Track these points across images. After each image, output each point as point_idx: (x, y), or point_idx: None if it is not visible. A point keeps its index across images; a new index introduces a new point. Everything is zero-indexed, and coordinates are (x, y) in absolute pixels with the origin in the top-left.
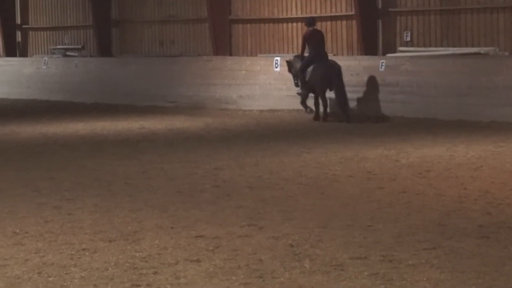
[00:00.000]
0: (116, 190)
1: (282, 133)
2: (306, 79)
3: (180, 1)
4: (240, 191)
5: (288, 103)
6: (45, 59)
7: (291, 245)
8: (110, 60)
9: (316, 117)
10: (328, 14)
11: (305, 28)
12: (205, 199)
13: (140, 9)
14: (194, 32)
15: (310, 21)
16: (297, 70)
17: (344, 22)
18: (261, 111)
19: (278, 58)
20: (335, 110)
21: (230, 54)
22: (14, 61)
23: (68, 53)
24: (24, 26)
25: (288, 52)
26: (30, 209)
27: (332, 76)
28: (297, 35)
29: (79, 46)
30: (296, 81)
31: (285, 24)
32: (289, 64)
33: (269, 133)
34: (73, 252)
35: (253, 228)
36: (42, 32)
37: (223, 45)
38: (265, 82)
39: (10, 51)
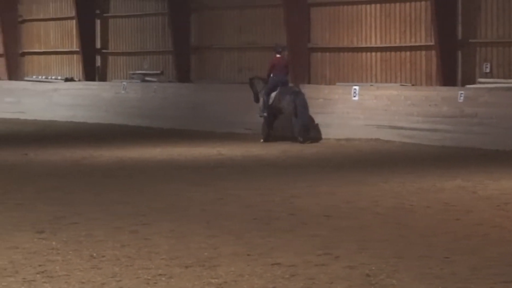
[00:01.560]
0: (192, 216)
1: (359, 162)
2: (270, 103)
3: (260, 28)
4: (316, 220)
5: (366, 132)
6: (124, 84)
7: (367, 275)
8: (189, 86)
9: (267, 138)
10: (408, 44)
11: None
12: (281, 227)
13: (219, 36)
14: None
15: (278, 49)
16: (258, 89)
17: (423, 53)
18: (338, 139)
19: (357, 87)
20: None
21: (309, 82)
22: (93, 85)
23: (146, 78)
24: (104, 51)
25: (366, 81)
26: (107, 233)
27: (299, 104)
28: (376, 64)
29: (158, 72)
30: (255, 99)
31: (364, 54)
32: (252, 83)
33: (345, 162)
34: (149, 277)
35: (329, 257)
36: (121, 57)
37: (302, 73)
38: (342, 111)
39: (90, 76)
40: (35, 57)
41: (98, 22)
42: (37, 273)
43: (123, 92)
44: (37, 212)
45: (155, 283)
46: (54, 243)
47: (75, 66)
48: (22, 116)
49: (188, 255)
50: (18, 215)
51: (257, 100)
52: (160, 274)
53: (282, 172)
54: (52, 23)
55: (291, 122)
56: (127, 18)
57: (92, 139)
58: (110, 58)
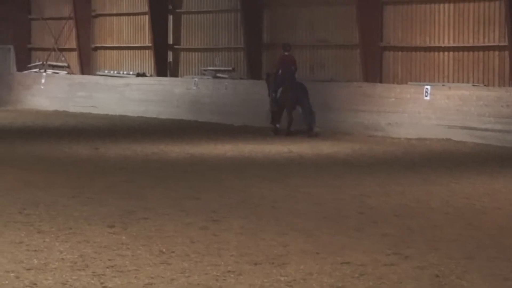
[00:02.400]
0: (262, 213)
1: (429, 162)
2: (277, 97)
3: (332, 26)
4: (386, 219)
5: (437, 132)
6: (195, 80)
7: (437, 276)
8: (260, 83)
9: (276, 131)
10: (481, 44)
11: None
12: (351, 225)
13: (291, 33)
14: (344, 58)
15: (286, 47)
16: (270, 84)
17: (496, 53)
18: (409, 139)
19: (429, 87)
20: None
21: (380, 81)
22: (165, 81)
23: (218, 74)
24: (176, 47)
25: (438, 81)
26: (177, 229)
27: (299, 96)
28: (448, 64)
29: (230, 68)
30: (269, 94)
31: (436, 53)
32: (267, 78)
33: (416, 161)
34: (218, 274)
35: (398, 257)
36: (193, 53)
37: (374, 71)
38: (414, 110)
39: (161, 71)
40: (108, 51)
41: (170, 17)
42: (107, 267)
43: (194, 88)
44: (108, 207)
45: (224, 279)
46: (124, 237)
47: (147, 61)
48: (94, 110)
49: (257, 252)
50: (89, 209)
51: (270, 95)
52: (229, 271)
53: (353, 171)
54: (125, 18)
55: (300, 114)
56: (199, 14)
57: (163, 134)
58: (182, 54)
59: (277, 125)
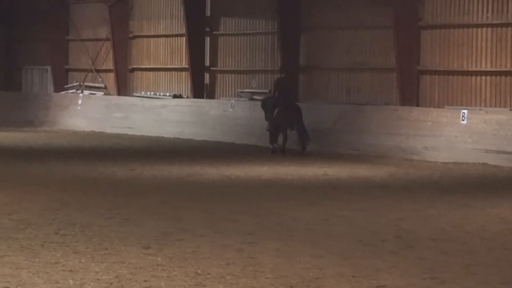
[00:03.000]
0: (297, 236)
1: (466, 186)
2: (274, 118)
3: (369, 49)
4: (423, 243)
5: (474, 156)
6: (231, 102)
7: None
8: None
9: (274, 151)
10: None
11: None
12: (387, 249)
13: (328, 56)
14: (381, 81)
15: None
16: (268, 107)
17: None
18: (446, 163)
19: (465, 111)
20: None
21: (417, 105)
22: (201, 102)
23: (254, 96)
24: (212, 68)
25: (475, 105)
26: (212, 250)
27: (294, 117)
28: (485, 88)
29: (266, 90)
30: (266, 116)
31: (474, 77)
32: (263, 103)
33: (453, 185)
34: None
35: (435, 281)
36: (230, 75)
37: (410, 95)
38: (451, 134)
39: (198, 93)
40: (144, 73)
41: (207, 39)
42: None
43: (230, 110)
44: (143, 228)
45: None
46: (159, 259)
47: (184, 83)
48: (130, 132)
49: (293, 274)
50: (125, 230)
51: (267, 118)
52: None
53: (389, 194)
54: (162, 39)
55: (294, 134)
56: (236, 36)
57: (199, 156)
58: (219, 75)
59: (275, 145)
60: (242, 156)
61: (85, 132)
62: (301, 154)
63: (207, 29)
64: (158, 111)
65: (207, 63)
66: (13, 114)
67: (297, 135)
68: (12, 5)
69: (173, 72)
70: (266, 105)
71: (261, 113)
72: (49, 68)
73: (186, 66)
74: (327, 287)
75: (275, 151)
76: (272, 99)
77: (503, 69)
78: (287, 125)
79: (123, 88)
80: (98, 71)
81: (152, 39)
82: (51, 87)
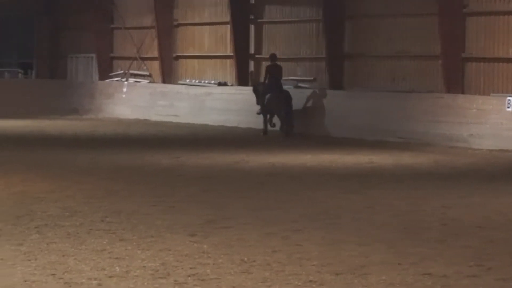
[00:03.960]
0: (342, 224)
1: (511, 174)
2: (265, 103)
3: (413, 37)
4: (468, 231)
5: None
6: None
7: None
8: (341, 93)
9: (265, 132)
10: None
11: None
12: (432, 237)
13: (372, 44)
14: (426, 69)
15: (272, 58)
16: (259, 93)
17: None
18: (491, 150)
19: (511, 98)
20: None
21: (462, 92)
22: (246, 90)
23: (299, 84)
24: (257, 56)
25: None
26: (258, 238)
27: (284, 102)
28: None
29: (311, 78)
30: (257, 101)
31: None
32: (255, 88)
33: (498, 173)
34: (299, 283)
35: (481, 269)
36: None
37: (455, 82)
38: (496, 122)
39: (242, 80)
40: (189, 61)
41: (252, 27)
42: (188, 276)
43: None
44: (189, 215)
45: None
46: (205, 246)
47: (228, 70)
48: (175, 119)
49: (338, 262)
50: (171, 217)
51: (258, 102)
52: (310, 281)
53: (434, 182)
54: (206, 27)
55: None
56: (281, 24)
57: (243, 144)
58: (263, 63)
59: (268, 126)
60: (287, 144)
61: (130, 120)
62: (285, 135)
63: (252, 17)
64: (203, 99)
65: (252, 50)
66: (58, 103)
67: (284, 120)
68: None
69: (218, 60)
70: (257, 90)
71: (305, 101)
72: (94, 56)
73: (231, 54)
74: (372, 274)
75: (266, 133)
76: (262, 85)
77: None
78: (279, 109)
79: (168, 76)
80: (143, 59)
81: (196, 27)
82: (96, 75)
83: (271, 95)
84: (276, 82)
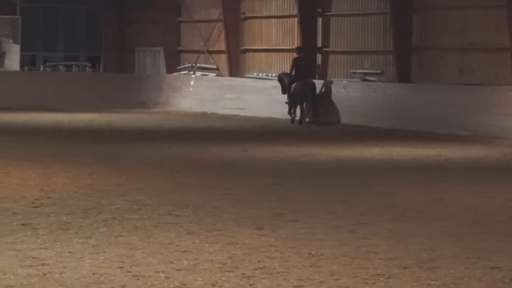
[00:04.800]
0: (411, 217)
1: None
2: (291, 92)
3: (482, 29)
4: None
5: None
6: (344, 83)
7: None
8: (409, 86)
9: (293, 121)
10: None
11: None
12: (502, 230)
13: (441, 36)
14: (495, 61)
15: (299, 50)
16: (284, 83)
17: None
18: None
19: None
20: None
21: None
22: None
23: (367, 77)
24: (324, 49)
25: None
26: (326, 231)
27: (308, 91)
28: None
29: (379, 71)
30: (282, 91)
31: None
32: (280, 78)
33: None
34: (367, 277)
35: None
36: (342, 56)
37: None
38: None
39: (310, 74)
40: (256, 54)
41: (319, 20)
42: (256, 269)
43: (343, 90)
44: (256, 209)
45: (373, 283)
46: (273, 239)
47: None
48: (242, 113)
49: (406, 255)
50: (238, 211)
51: (284, 92)
52: (378, 274)
53: (503, 175)
54: (274, 20)
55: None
56: (348, 17)
57: (311, 137)
58: (331, 56)
59: (292, 115)
60: (354, 137)
61: (197, 113)
62: (310, 123)
63: (319, 10)
64: (270, 92)
65: (319, 44)
66: (126, 96)
67: (310, 108)
68: None
69: (285, 53)
70: (282, 80)
71: (372, 94)
72: (161, 49)
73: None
74: (441, 268)
75: (293, 121)
76: (287, 75)
77: None
78: (303, 99)
79: (235, 69)
80: (210, 52)
81: (264, 20)
82: (163, 69)
83: (297, 84)
84: (302, 73)
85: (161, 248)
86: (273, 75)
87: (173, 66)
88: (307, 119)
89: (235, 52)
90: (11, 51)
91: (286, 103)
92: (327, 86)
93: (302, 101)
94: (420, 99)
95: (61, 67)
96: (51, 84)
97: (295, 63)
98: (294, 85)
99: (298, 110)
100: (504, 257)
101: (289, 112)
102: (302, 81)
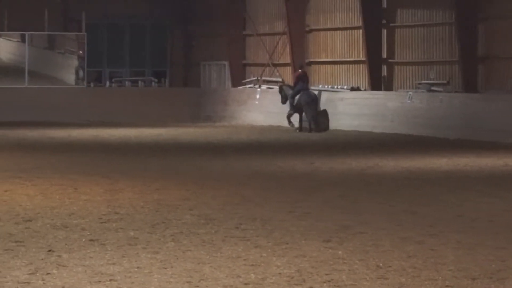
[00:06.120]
0: (479, 228)
1: None
2: (294, 104)
3: None
4: None
5: None
6: (409, 94)
7: None
8: (475, 96)
9: (300, 129)
10: None
11: None
12: None
13: (507, 45)
14: None
15: (301, 65)
16: (286, 94)
17: None
18: None
19: None
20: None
21: None
22: (379, 94)
23: (433, 88)
24: (390, 60)
25: None
26: (393, 243)
27: (311, 102)
28: None
29: (444, 82)
30: (283, 101)
31: None
32: (281, 89)
33: None
34: None
35: None
36: (407, 67)
37: None
38: None
39: (376, 85)
40: (322, 66)
41: (384, 31)
42: (324, 282)
43: (408, 101)
44: (324, 221)
45: None
46: (340, 252)
47: (361, 75)
48: (307, 124)
49: (475, 266)
50: (305, 223)
51: (284, 102)
52: (447, 286)
53: None
54: (338, 32)
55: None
56: (413, 27)
57: (377, 148)
58: (396, 67)
59: (294, 125)
60: (421, 148)
61: (263, 127)
62: (310, 131)
63: (384, 21)
64: (336, 104)
65: (384, 55)
66: (192, 110)
67: (311, 118)
68: (189, 3)
69: (350, 65)
70: (283, 91)
71: (438, 105)
72: (226, 63)
73: (363, 59)
74: (510, 279)
75: (298, 131)
76: (289, 88)
77: None
78: (308, 109)
79: None
80: (275, 65)
81: (328, 32)
82: (228, 82)
83: (300, 97)
84: (305, 86)
85: (228, 262)
86: (338, 87)
87: (238, 79)
88: (311, 127)
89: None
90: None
91: (289, 113)
92: (319, 96)
93: (309, 111)
94: (487, 109)
95: (127, 82)
96: (117, 100)
97: (300, 78)
98: (297, 97)
99: (295, 118)
100: None
101: (288, 118)
102: (306, 93)
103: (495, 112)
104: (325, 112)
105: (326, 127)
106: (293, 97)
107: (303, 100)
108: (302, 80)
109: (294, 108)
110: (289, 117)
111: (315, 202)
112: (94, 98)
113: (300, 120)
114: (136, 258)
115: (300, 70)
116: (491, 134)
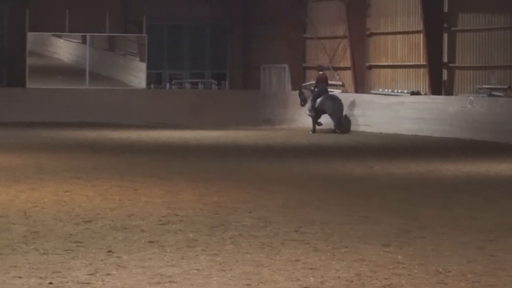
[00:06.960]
0: None
1: None
2: (316, 106)
3: None
4: None
5: None
6: (470, 98)
7: None
8: None
9: (313, 130)
10: None
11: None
12: None
13: None
14: None
15: (320, 68)
16: (306, 97)
17: None
18: None
19: None
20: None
21: None
22: (439, 99)
23: (493, 92)
24: (450, 65)
25: None
26: (453, 248)
27: (334, 104)
28: None
29: (505, 86)
30: (302, 103)
31: None
32: (300, 91)
33: None
34: None
35: None
36: (468, 71)
37: None
38: None
39: (436, 89)
40: (382, 70)
41: (445, 35)
42: (383, 286)
43: (469, 106)
44: (383, 225)
45: None
46: (400, 256)
47: (422, 79)
48: (368, 129)
49: None
50: (364, 227)
51: (303, 105)
52: None
53: None
54: (399, 36)
55: (332, 118)
56: (474, 32)
57: (437, 153)
58: (457, 72)
59: (316, 126)
60: (481, 153)
61: (323, 130)
62: (334, 132)
63: (445, 25)
64: (396, 108)
65: (445, 59)
66: (252, 113)
67: (335, 120)
68: (249, 5)
69: (411, 69)
70: (302, 94)
71: (499, 110)
72: (286, 66)
73: (424, 63)
74: None
75: (315, 131)
76: (308, 90)
77: None
78: (330, 111)
79: (361, 85)
80: (335, 68)
81: (389, 36)
82: (289, 86)
83: (322, 99)
84: (324, 89)
85: (287, 265)
86: (399, 91)
87: (298, 82)
88: (336, 130)
89: (360, 69)
90: (137, 69)
91: (310, 115)
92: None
93: (328, 113)
94: None
95: (187, 84)
96: (177, 102)
97: (320, 80)
98: (319, 100)
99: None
100: None
101: (313, 123)
102: (328, 97)
103: None
104: (346, 116)
105: (348, 129)
106: (314, 99)
107: (329, 104)
108: (322, 82)
109: (315, 110)
110: (313, 121)
111: (374, 206)
112: (154, 100)
113: (316, 122)
114: (195, 260)
115: (320, 73)
116: None
